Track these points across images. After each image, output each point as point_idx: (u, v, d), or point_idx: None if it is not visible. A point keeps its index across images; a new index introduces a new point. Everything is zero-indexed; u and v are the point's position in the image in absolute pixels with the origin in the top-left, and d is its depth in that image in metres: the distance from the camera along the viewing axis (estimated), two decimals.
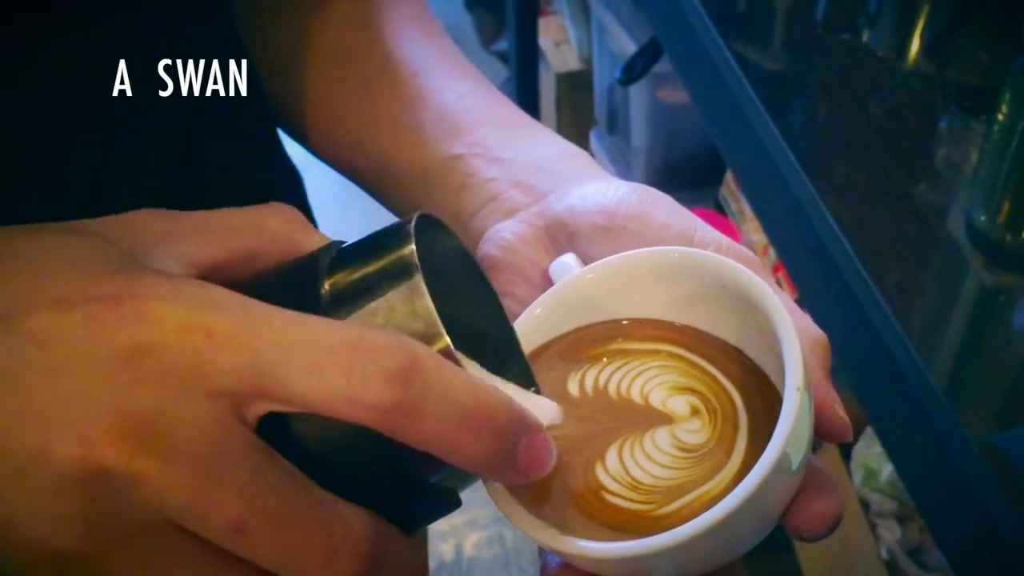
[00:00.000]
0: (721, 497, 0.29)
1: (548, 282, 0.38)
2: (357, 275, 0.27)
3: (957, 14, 0.81)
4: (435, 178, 0.44)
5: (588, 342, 0.37)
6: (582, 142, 1.76)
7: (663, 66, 1.36)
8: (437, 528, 1.49)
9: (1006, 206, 0.63)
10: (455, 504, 0.29)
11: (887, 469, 1.00)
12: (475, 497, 0.31)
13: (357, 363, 0.24)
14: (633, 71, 1.37)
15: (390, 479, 0.27)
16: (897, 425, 0.60)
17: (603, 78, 1.68)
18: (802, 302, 0.84)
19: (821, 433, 0.34)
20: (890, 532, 0.99)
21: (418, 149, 0.45)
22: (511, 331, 0.34)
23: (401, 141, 0.46)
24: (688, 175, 1.55)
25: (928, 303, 0.64)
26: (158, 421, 0.23)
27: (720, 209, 1.47)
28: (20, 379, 0.24)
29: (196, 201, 0.31)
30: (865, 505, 1.01)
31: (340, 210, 1.07)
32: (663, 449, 0.33)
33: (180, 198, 0.31)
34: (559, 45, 1.88)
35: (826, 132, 0.77)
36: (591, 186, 0.39)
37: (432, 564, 1.43)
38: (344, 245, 0.30)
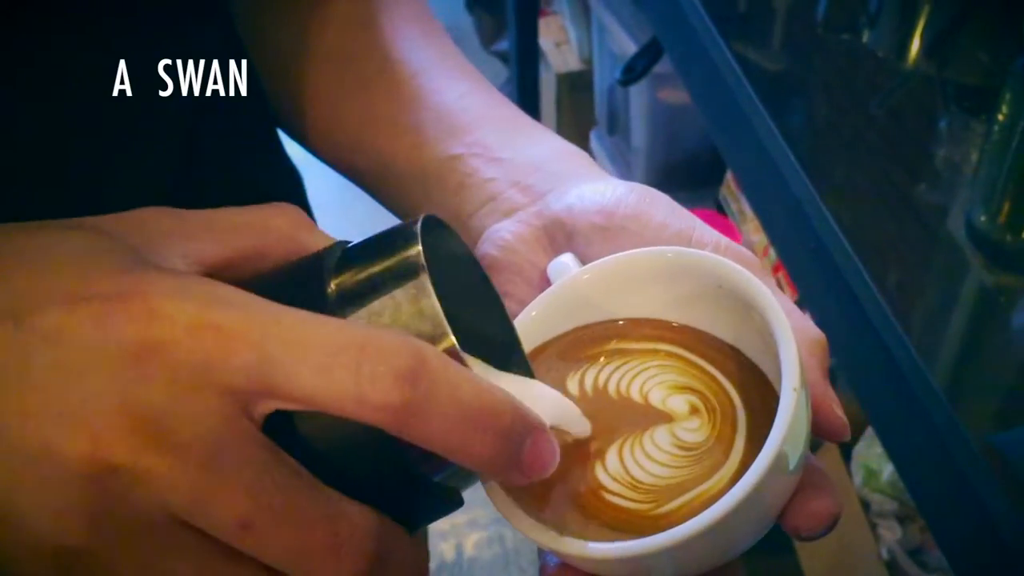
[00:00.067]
0: (720, 496, 0.29)
1: (546, 282, 0.38)
2: (363, 275, 0.27)
3: (957, 14, 0.81)
4: (434, 178, 0.44)
5: (586, 342, 0.37)
6: (582, 142, 1.77)
7: (663, 66, 1.36)
8: (438, 528, 1.49)
9: (1006, 206, 0.63)
10: (458, 503, 0.29)
11: (887, 469, 1.00)
12: (476, 497, 0.32)
13: (366, 363, 0.24)
14: (633, 71, 1.37)
15: (394, 478, 0.27)
16: (897, 425, 0.60)
17: (603, 78, 1.68)
18: (802, 302, 0.84)
19: (819, 432, 0.34)
20: (891, 532, 0.99)
21: (417, 149, 0.45)
22: (513, 332, 0.34)
23: (400, 141, 0.46)
24: (688, 175, 1.55)
25: (928, 303, 0.64)
26: (166, 418, 0.23)
27: (720, 209, 1.47)
28: (29, 375, 0.24)
29: (196, 201, 0.31)
30: (866, 505, 1.01)
31: (340, 210, 1.07)
32: (663, 448, 0.33)
33: (180, 198, 0.31)
34: (559, 45, 1.88)
35: (826, 132, 0.77)
36: (589, 186, 0.39)
37: (432, 564, 1.43)
38: (349, 245, 0.30)
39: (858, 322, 0.61)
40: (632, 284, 0.36)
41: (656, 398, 0.35)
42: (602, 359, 0.36)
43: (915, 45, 0.81)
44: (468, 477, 0.29)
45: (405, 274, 0.27)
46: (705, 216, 1.42)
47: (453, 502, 0.29)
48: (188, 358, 0.24)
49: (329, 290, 0.27)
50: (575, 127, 1.84)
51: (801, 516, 0.32)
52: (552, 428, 0.30)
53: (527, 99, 1.84)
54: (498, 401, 0.26)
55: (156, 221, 0.28)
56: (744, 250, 0.37)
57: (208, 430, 0.24)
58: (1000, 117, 0.62)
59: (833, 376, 1.07)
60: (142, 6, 0.41)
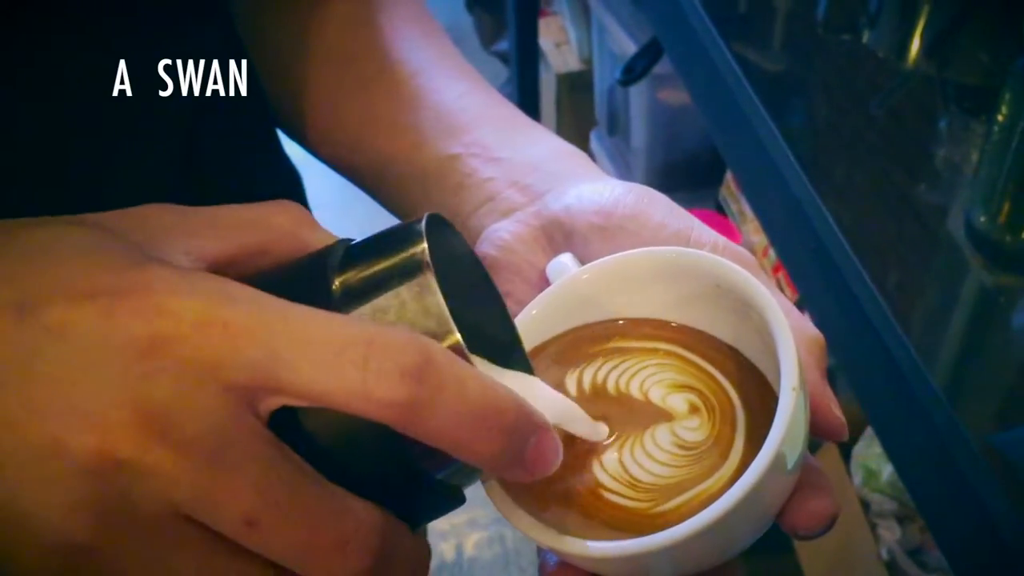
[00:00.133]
0: (719, 496, 0.29)
1: (545, 282, 0.38)
2: (368, 272, 0.27)
3: (957, 14, 0.81)
4: (433, 177, 0.44)
5: (585, 341, 0.37)
6: (582, 143, 1.77)
7: (663, 67, 1.36)
8: (438, 527, 1.49)
9: (1006, 207, 0.63)
10: (460, 501, 0.29)
11: (887, 469, 1.00)
12: (476, 497, 0.32)
13: (372, 359, 0.24)
14: (633, 72, 1.37)
15: (398, 475, 0.27)
16: (897, 425, 0.60)
17: (603, 79, 1.68)
18: (802, 303, 0.84)
19: (817, 432, 0.34)
20: (890, 532, 0.99)
21: (416, 149, 0.45)
22: (514, 331, 0.34)
23: (399, 141, 0.46)
24: (688, 176, 1.55)
25: (928, 304, 0.64)
26: (173, 413, 0.23)
27: (720, 210, 1.47)
28: (35, 370, 0.24)
29: (196, 201, 0.31)
30: (865, 505, 1.01)
31: (340, 210, 1.07)
32: (663, 447, 0.33)
33: (180, 198, 0.31)
34: (559, 46, 1.88)
35: (826, 133, 0.77)
36: (588, 186, 0.39)
37: (432, 564, 1.42)
38: (353, 243, 0.30)
39: (858, 322, 0.61)
40: (631, 284, 0.36)
41: (656, 396, 0.35)
42: (601, 358, 0.36)
43: (915, 45, 0.80)
44: (471, 474, 0.29)
45: (410, 271, 0.27)
46: (705, 216, 1.42)
47: (455, 499, 0.29)
48: (195, 354, 0.24)
49: (333, 287, 0.27)
50: (575, 127, 1.84)
51: (799, 515, 0.32)
52: (554, 427, 0.30)
53: (527, 99, 1.84)
54: (503, 399, 0.26)
55: (159, 217, 0.28)
56: (742, 250, 0.37)
57: (214, 426, 0.24)
58: (1000, 117, 0.62)
59: (833, 376, 1.07)
60: (142, 6, 0.41)
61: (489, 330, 0.33)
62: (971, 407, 0.56)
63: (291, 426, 0.25)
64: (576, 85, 1.83)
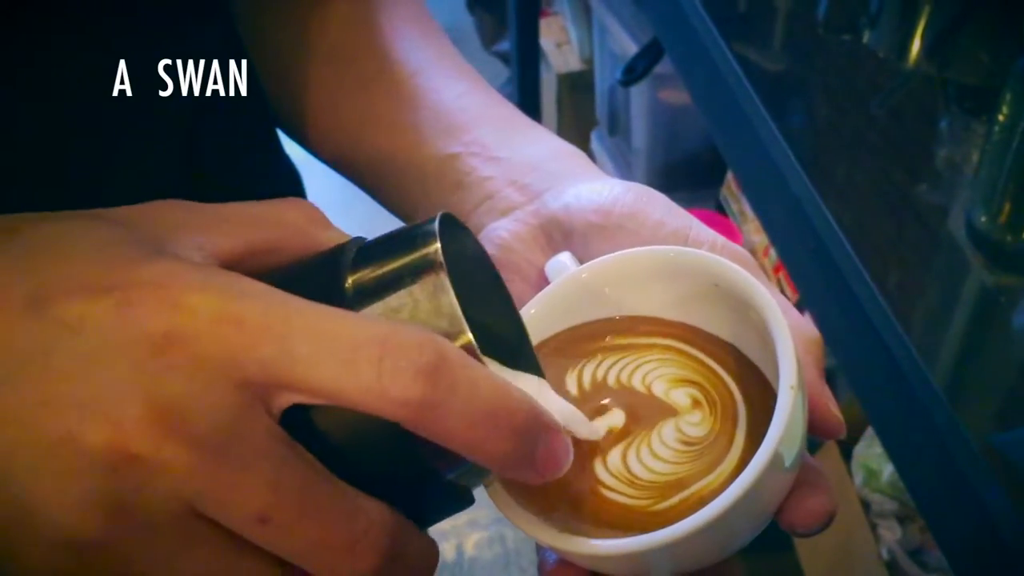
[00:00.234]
0: (718, 493, 0.29)
1: (544, 280, 0.38)
2: (381, 271, 0.27)
3: (958, 15, 0.81)
4: (432, 176, 0.44)
5: (584, 339, 0.37)
6: (583, 143, 1.77)
7: (664, 67, 1.36)
8: (438, 527, 1.49)
9: (1007, 207, 0.62)
10: (468, 501, 0.29)
11: (888, 469, 1.00)
12: (477, 497, 0.32)
13: (387, 357, 0.24)
14: (634, 72, 1.37)
15: (408, 474, 0.27)
16: (897, 425, 0.60)
17: (604, 79, 1.68)
18: (803, 302, 0.84)
19: (815, 430, 0.34)
20: (891, 532, 0.99)
21: (416, 148, 0.45)
22: (524, 332, 0.34)
23: (399, 140, 0.46)
24: (689, 176, 1.55)
25: (929, 303, 0.64)
26: (187, 409, 0.23)
27: (721, 210, 1.47)
28: (51, 365, 0.24)
29: (196, 201, 0.31)
30: (866, 505, 1.01)
31: (340, 210, 1.06)
32: (668, 444, 0.33)
33: (180, 198, 0.31)
34: (560, 46, 1.88)
35: (827, 133, 0.77)
36: (587, 185, 0.39)
37: None
38: (366, 242, 0.30)
39: (858, 322, 0.61)
40: (630, 283, 0.36)
41: (659, 390, 0.35)
42: (600, 355, 0.37)
43: (916, 45, 0.80)
44: (480, 475, 0.29)
45: (423, 271, 0.27)
46: (706, 216, 1.42)
47: (464, 500, 0.29)
48: (210, 350, 0.24)
49: (346, 285, 0.27)
50: (576, 127, 1.84)
51: (797, 513, 0.32)
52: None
53: (528, 99, 1.84)
54: (515, 399, 0.26)
55: (170, 213, 0.28)
56: (740, 249, 0.37)
57: (228, 422, 0.24)
58: (1001, 117, 0.62)
59: (833, 376, 1.06)
60: (142, 6, 0.41)
61: (499, 330, 0.33)
62: (971, 407, 0.56)
63: (303, 424, 0.25)
64: (577, 85, 1.83)
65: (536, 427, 0.26)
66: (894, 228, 0.66)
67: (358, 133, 0.48)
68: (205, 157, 0.46)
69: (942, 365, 0.58)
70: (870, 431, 1.03)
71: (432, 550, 0.28)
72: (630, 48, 1.43)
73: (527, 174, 0.42)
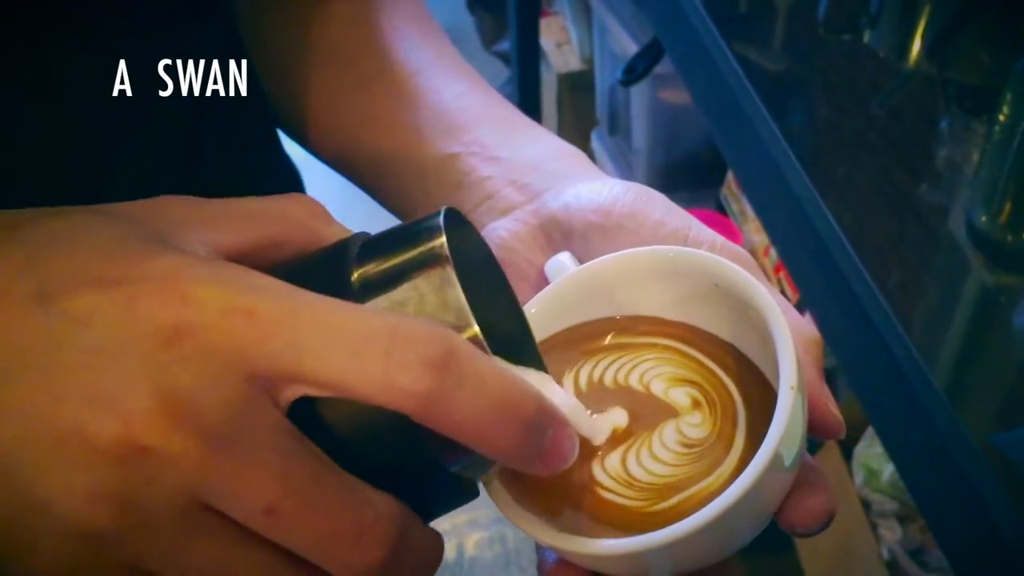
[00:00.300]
0: (718, 493, 0.29)
1: (544, 280, 0.38)
2: (386, 265, 0.27)
3: (958, 15, 0.81)
4: (432, 176, 0.44)
5: (584, 339, 0.37)
6: (583, 143, 1.77)
7: (664, 67, 1.36)
8: (439, 527, 1.49)
9: (1007, 207, 0.62)
10: (473, 494, 0.30)
11: (888, 469, 1.00)
12: (477, 497, 0.32)
13: (396, 350, 0.24)
14: (634, 72, 1.37)
15: (415, 466, 0.27)
16: (898, 425, 0.60)
17: (604, 79, 1.68)
18: (803, 302, 0.84)
19: (814, 430, 0.34)
20: (891, 532, 0.99)
21: (416, 148, 0.45)
22: (527, 327, 0.34)
23: (399, 140, 0.46)
24: (689, 176, 1.55)
25: (929, 303, 0.64)
26: (196, 401, 0.23)
27: (721, 209, 1.47)
28: (60, 359, 0.24)
29: None
30: (866, 505, 1.01)
31: (340, 210, 1.06)
32: (669, 447, 0.33)
33: None
34: (560, 46, 1.88)
35: (827, 132, 0.77)
36: (586, 185, 0.39)
37: None
38: (371, 236, 0.30)
39: (859, 322, 0.61)
40: (630, 282, 0.36)
41: (658, 390, 0.35)
42: (600, 355, 0.37)
43: (916, 45, 0.80)
44: (485, 468, 0.29)
45: (429, 264, 0.27)
46: (706, 216, 1.42)
47: (469, 493, 0.29)
48: (219, 342, 0.24)
49: (352, 279, 0.27)
50: (576, 127, 1.84)
51: (797, 513, 0.32)
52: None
53: (528, 99, 1.84)
54: (522, 392, 0.26)
55: (175, 208, 0.28)
56: (739, 249, 0.37)
57: (237, 415, 0.24)
58: (1001, 117, 0.62)
59: (834, 376, 1.06)
60: (142, 6, 0.41)
61: (502, 324, 0.33)
62: (972, 407, 0.56)
63: (310, 416, 0.25)
64: (577, 85, 1.83)
65: (543, 419, 0.26)
66: (894, 228, 0.66)
67: (358, 133, 0.48)
68: (205, 157, 0.46)
69: (942, 365, 0.58)
70: (870, 431, 1.03)
71: (437, 543, 0.28)
72: (630, 48, 1.43)
73: (527, 174, 0.42)
